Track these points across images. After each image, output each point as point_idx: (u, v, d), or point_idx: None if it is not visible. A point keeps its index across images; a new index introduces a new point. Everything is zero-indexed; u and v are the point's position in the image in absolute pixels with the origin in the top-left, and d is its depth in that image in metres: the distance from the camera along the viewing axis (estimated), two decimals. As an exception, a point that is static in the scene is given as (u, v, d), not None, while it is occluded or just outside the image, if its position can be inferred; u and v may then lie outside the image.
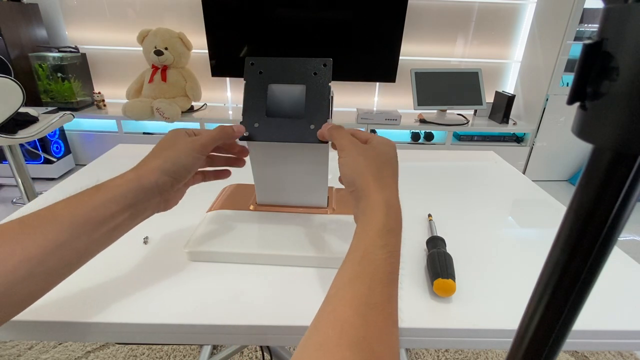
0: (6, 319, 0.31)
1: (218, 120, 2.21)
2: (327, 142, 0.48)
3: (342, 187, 0.64)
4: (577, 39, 2.05)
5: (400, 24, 2.12)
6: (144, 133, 2.36)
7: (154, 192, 0.39)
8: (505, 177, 0.79)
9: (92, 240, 0.35)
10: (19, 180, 1.54)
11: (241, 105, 0.50)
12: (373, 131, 2.24)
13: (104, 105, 2.34)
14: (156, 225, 0.55)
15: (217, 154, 0.50)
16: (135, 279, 0.45)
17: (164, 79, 2.15)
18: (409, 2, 2.07)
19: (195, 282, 0.45)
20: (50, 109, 1.80)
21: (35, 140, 2.10)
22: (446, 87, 2.19)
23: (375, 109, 2.38)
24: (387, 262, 0.30)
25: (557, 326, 0.19)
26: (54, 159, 2.16)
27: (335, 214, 0.55)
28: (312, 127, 0.48)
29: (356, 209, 0.37)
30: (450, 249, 0.49)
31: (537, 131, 2.28)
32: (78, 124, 2.33)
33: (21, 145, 1.51)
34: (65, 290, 0.42)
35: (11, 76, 1.63)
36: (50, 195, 0.65)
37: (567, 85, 2.20)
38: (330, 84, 0.48)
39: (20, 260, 0.30)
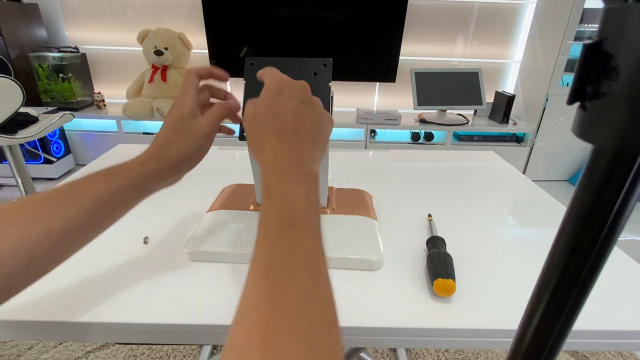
0: (20, 290, 0.32)
1: (218, 120, 2.21)
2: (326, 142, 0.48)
3: (342, 187, 0.64)
4: (577, 39, 2.05)
5: (400, 24, 2.12)
6: (144, 133, 2.36)
7: (171, 179, 0.42)
8: (505, 177, 0.79)
9: (108, 219, 0.37)
10: (19, 180, 1.54)
11: (241, 105, 0.50)
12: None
13: (104, 105, 2.34)
14: (156, 225, 0.55)
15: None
16: (135, 279, 0.45)
17: (164, 79, 2.15)
18: (409, 2, 2.07)
19: (195, 282, 0.45)
20: (50, 109, 1.80)
21: (35, 140, 2.10)
22: (446, 87, 2.20)
23: (375, 109, 2.38)
24: (277, 215, 0.28)
25: (557, 326, 0.19)
26: (54, 159, 2.16)
27: (336, 214, 0.55)
28: (312, 127, 0.47)
29: None
30: (450, 249, 0.49)
31: (537, 131, 2.28)
32: (78, 124, 2.33)
33: (21, 145, 1.51)
34: (66, 290, 0.42)
35: (11, 76, 1.64)
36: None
37: (567, 85, 2.20)
38: (330, 84, 0.48)
39: (43, 235, 0.32)
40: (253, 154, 0.35)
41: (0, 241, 0.30)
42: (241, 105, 0.45)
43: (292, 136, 0.33)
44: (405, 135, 2.38)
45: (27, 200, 0.33)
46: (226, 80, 0.46)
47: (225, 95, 0.47)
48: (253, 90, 0.50)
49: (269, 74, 0.39)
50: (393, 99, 2.49)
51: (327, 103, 0.48)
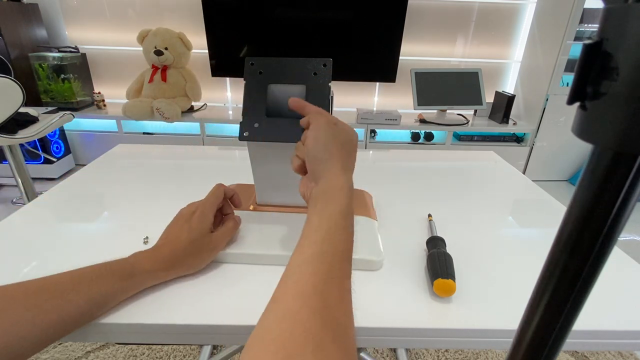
0: None
1: (218, 120, 2.21)
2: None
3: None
4: (577, 39, 2.05)
5: (400, 24, 2.12)
6: (144, 133, 2.35)
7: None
8: (505, 177, 0.79)
9: (112, 307, 0.40)
10: (19, 180, 1.54)
11: (241, 105, 0.50)
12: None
13: (104, 105, 2.34)
14: (156, 225, 0.54)
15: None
16: (135, 279, 0.44)
17: (164, 79, 2.15)
18: (409, 2, 2.07)
19: (195, 282, 0.44)
20: (50, 109, 1.80)
21: (35, 140, 2.10)
22: (446, 87, 2.19)
23: (375, 109, 2.38)
24: (346, 241, 0.32)
25: (557, 326, 0.19)
26: (54, 159, 2.16)
27: (335, 214, 0.55)
28: (312, 127, 0.48)
29: (315, 185, 0.39)
30: (450, 249, 0.49)
31: (537, 131, 2.28)
32: (78, 124, 2.33)
33: (21, 145, 1.51)
34: (65, 290, 0.42)
35: (11, 76, 1.64)
36: (51, 195, 0.65)
37: (567, 85, 2.20)
38: (330, 84, 0.48)
39: (57, 325, 0.34)
40: (335, 168, 0.38)
41: (14, 328, 0.31)
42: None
43: (354, 167, 0.41)
44: (405, 135, 2.38)
45: (46, 286, 0.35)
46: (239, 207, 0.53)
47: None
48: (253, 90, 0.50)
49: (339, 121, 0.44)
50: (393, 99, 2.49)
51: (327, 103, 0.48)
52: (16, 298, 0.33)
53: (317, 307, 0.26)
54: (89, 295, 0.36)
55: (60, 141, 2.25)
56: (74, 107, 2.24)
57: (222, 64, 2.21)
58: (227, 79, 2.41)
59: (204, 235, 0.44)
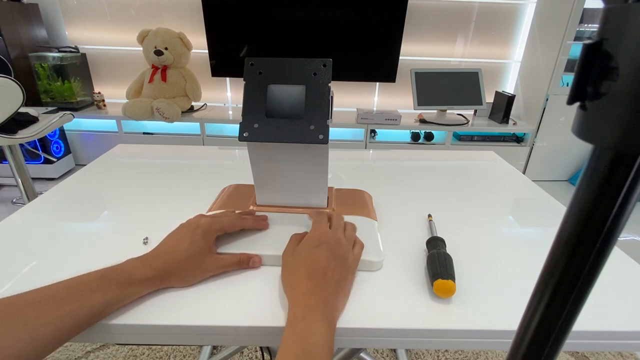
0: None
1: (218, 120, 2.21)
2: (327, 143, 0.48)
3: (342, 187, 0.64)
4: (577, 39, 2.05)
5: (400, 24, 2.12)
6: (144, 133, 2.35)
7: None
8: (505, 177, 0.79)
9: (104, 317, 0.39)
10: (19, 180, 1.54)
11: (241, 105, 0.50)
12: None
13: (104, 105, 2.34)
14: (156, 226, 0.55)
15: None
16: (135, 279, 0.44)
17: (164, 79, 2.15)
18: (409, 2, 2.07)
19: (194, 282, 0.44)
20: (50, 109, 1.80)
21: (35, 140, 2.10)
22: (446, 87, 2.19)
23: (375, 109, 2.38)
24: (296, 346, 0.33)
25: (557, 326, 0.19)
26: (54, 159, 2.16)
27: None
28: (311, 127, 0.48)
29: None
30: (450, 249, 0.49)
31: (537, 131, 2.28)
32: (78, 124, 2.33)
33: (21, 145, 1.51)
34: (65, 290, 0.42)
35: (11, 76, 1.63)
36: (51, 195, 0.65)
37: (567, 85, 2.20)
38: (330, 84, 0.48)
39: (54, 337, 0.33)
40: (284, 287, 0.42)
41: (10, 345, 0.31)
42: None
43: (320, 280, 0.40)
44: (405, 135, 2.38)
45: (42, 299, 0.34)
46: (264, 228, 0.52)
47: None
48: (253, 90, 0.50)
49: (317, 223, 0.48)
50: (393, 99, 2.49)
51: (327, 103, 0.48)
52: (12, 314, 0.32)
53: None
54: (86, 306, 0.36)
55: (60, 141, 2.25)
56: (74, 107, 2.24)
57: (222, 64, 2.21)
58: (227, 79, 2.41)
59: (201, 254, 0.43)
